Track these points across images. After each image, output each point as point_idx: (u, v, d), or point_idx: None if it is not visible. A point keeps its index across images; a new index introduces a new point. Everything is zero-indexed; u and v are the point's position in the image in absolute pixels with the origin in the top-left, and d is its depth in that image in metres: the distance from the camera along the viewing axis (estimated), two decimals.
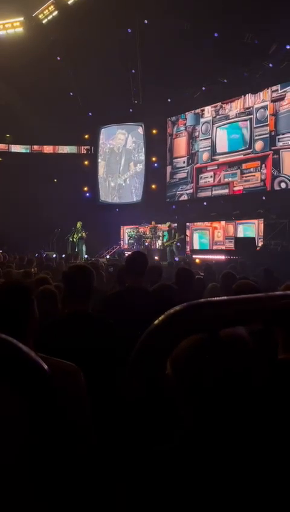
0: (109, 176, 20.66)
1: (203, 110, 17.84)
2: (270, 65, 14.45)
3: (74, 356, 1.52)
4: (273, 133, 15.21)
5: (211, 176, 17.56)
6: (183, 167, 18.79)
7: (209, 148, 17.56)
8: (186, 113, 18.53)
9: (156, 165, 19.55)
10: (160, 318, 0.62)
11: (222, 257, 12.36)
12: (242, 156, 16.31)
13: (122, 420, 0.63)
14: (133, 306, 2.54)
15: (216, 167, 17.35)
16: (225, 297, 0.67)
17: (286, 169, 14.78)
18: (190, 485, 0.89)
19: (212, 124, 17.41)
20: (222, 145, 17.04)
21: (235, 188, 16.58)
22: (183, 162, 18.79)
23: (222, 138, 17.02)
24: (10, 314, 1.43)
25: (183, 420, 0.95)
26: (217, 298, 0.68)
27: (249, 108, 16.08)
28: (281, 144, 14.98)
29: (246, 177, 16.24)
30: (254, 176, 15.94)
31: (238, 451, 0.90)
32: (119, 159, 20.38)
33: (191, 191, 18.41)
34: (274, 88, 15.11)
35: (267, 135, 15.38)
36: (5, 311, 1.44)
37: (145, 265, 2.83)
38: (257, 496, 0.88)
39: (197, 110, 18.07)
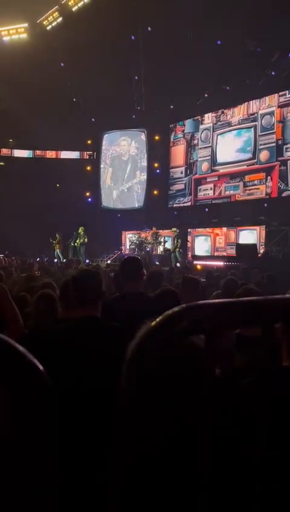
0: (113, 183, 20.61)
1: (203, 117, 16.71)
2: (273, 73, 14.33)
3: (87, 361, 1.51)
4: (280, 142, 13.88)
5: (211, 188, 16.30)
6: (181, 178, 17.56)
7: (209, 157, 16.36)
8: (185, 119, 17.48)
9: (158, 171, 19.53)
10: (157, 319, 0.61)
11: (221, 263, 12.31)
12: (245, 166, 14.98)
13: (117, 423, 0.62)
14: (130, 311, 2.52)
15: (216, 178, 16.07)
16: (224, 300, 0.66)
17: None
18: (185, 489, 0.88)
19: (213, 131, 16.29)
20: (223, 154, 15.89)
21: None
22: (181, 173, 17.57)
23: (223, 147, 15.96)
24: None
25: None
26: (217, 300, 0.67)
27: (253, 114, 14.88)
28: (289, 153, 13.68)
29: (249, 190, 14.86)
30: (258, 189, 14.59)
31: (236, 459, 0.89)
32: (125, 166, 20.31)
33: (189, 204, 17.23)
34: (282, 93, 13.93)
35: (274, 144, 14.07)
36: None
37: (140, 269, 2.80)
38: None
39: (197, 116, 16.91)
